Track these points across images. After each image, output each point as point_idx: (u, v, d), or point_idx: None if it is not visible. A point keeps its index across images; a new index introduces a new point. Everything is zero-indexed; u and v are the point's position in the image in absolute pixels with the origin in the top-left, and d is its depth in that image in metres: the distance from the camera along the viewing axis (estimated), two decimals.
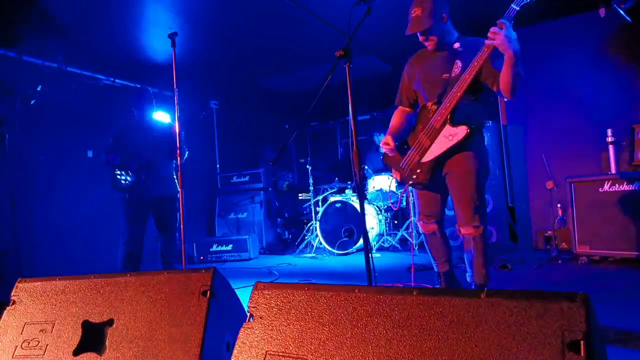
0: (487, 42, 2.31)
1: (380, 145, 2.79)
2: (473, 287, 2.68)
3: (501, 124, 5.78)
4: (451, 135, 2.48)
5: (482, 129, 2.62)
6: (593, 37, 5.01)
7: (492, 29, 2.26)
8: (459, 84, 2.43)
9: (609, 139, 4.42)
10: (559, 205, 4.67)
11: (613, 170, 4.35)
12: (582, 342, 0.83)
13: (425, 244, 2.93)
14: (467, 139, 2.48)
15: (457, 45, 2.58)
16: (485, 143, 2.69)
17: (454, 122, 2.48)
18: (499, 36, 2.23)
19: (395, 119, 2.91)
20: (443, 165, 2.60)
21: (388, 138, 2.73)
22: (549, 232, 4.88)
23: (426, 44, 2.63)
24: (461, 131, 2.46)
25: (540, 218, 5.27)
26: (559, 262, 4.34)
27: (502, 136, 5.79)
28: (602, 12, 4.67)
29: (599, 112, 4.91)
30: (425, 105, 2.67)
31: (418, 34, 2.57)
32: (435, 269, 2.93)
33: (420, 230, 2.87)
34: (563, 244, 4.53)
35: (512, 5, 2.29)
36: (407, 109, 2.90)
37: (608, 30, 4.91)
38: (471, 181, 2.52)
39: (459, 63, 2.50)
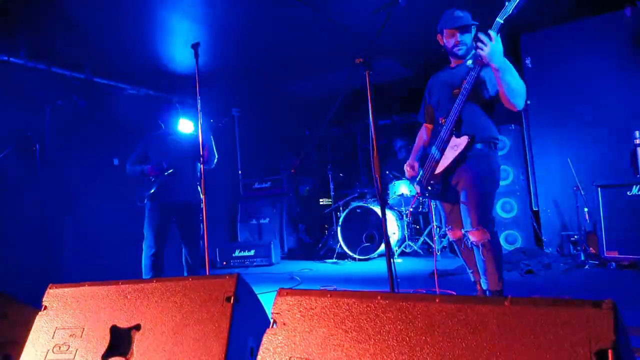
0: (476, 50, 2.48)
1: (405, 169, 2.99)
2: (488, 294, 2.67)
3: (525, 128, 5.69)
4: (456, 145, 2.64)
5: (489, 141, 2.70)
6: (618, 37, 4.91)
7: (481, 37, 2.43)
8: (461, 96, 2.58)
9: (637, 141, 4.31)
10: (585, 209, 4.56)
11: None
12: (609, 350, 0.82)
13: (457, 252, 2.99)
14: (470, 150, 2.62)
15: (469, 62, 2.73)
16: (497, 155, 2.79)
17: (458, 134, 2.64)
18: (487, 47, 2.41)
19: (420, 139, 3.08)
20: (453, 175, 2.72)
21: (412, 162, 2.94)
22: (576, 236, 4.77)
23: (456, 48, 2.74)
24: (463, 141, 2.61)
25: (567, 222, 5.16)
26: (586, 267, 4.24)
27: (525, 140, 5.70)
28: (628, 11, 4.57)
29: (626, 114, 4.79)
30: (438, 120, 2.82)
31: (458, 34, 2.71)
32: (472, 279, 2.96)
33: (450, 238, 2.98)
34: (591, 248, 4.42)
35: (497, 19, 2.45)
36: (430, 125, 3.04)
37: (634, 29, 4.80)
38: (475, 189, 2.62)
39: (468, 78, 2.60)
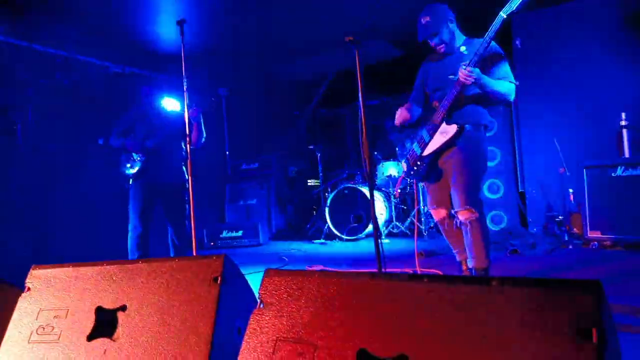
0: (460, 79, 2.59)
1: (396, 115, 2.99)
2: (473, 272, 2.75)
3: (513, 109, 5.70)
4: (445, 132, 2.73)
5: (479, 125, 2.80)
6: (609, 20, 4.90)
7: (464, 73, 2.54)
8: (455, 84, 2.64)
9: (623, 123, 4.34)
10: (571, 190, 4.62)
11: (627, 155, 4.28)
12: (593, 329, 0.82)
13: (442, 233, 3.06)
14: (459, 137, 2.71)
15: (463, 48, 2.81)
16: (486, 138, 2.88)
17: (449, 121, 2.72)
18: (471, 79, 2.54)
19: (407, 110, 3.06)
20: (441, 158, 2.81)
21: (403, 110, 2.95)
22: (560, 217, 4.84)
23: (437, 48, 2.84)
24: (452, 129, 2.70)
25: (552, 203, 5.22)
26: (570, 247, 4.32)
27: (513, 121, 5.72)
28: None
29: (613, 95, 4.82)
30: (431, 104, 2.90)
31: (428, 40, 2.82)
32: (457, 259, 3.02)
33: (434, 218, 3.07)
34: (574, 229, 4.49)
35: (501, 13, 2.51)
36: (419, 106, 3.08)
37: (623, 12, 4.79)
38: (463, 170, 2.71)
39: (463, 65, 2.62)
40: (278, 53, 6.47)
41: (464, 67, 2.54)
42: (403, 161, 3.01)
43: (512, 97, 2.73)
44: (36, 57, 5.07)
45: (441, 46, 2.81)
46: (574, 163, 4.51)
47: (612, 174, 4.00)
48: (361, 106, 2.28)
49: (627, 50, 4.79)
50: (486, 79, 2.61)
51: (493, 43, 2.65)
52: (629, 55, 4.78)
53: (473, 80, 2.54)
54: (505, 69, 2.74)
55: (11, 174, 4.60)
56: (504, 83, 2.69)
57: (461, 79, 2.56)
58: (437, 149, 2.77)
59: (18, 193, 4.44)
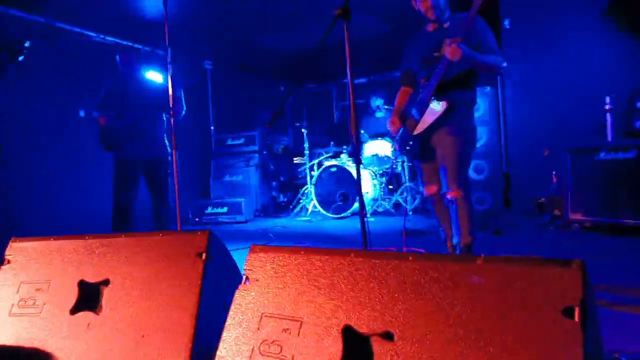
0: (445, 54, 2.55)
1: (387, 124, 3.04)
2: (458, 247, 2.80)
3: (500, 90, 5.72)
4: (435, 109, 2.72)
5: (468, 104, 2.80)
6: (595, 2, 4.89)
7: (450, 49, 2.50)
8: (442, 61, 2.61)
9: (607, 107, 4.38)
10: (554, 172, 4.68)
11: (610, 139, 4.34)
12: (576, 308, 0.84)
13: (432, 211, 3.13)
14: (449, 113, 2.70)
15: (447, 24, 2.77)
16: (474, 117, 2.90)
17: (438, 98, 2.71)
18: (457, 56, 2.50)
19: (399, 99, 3.10)
20: (431, 137, 2.81)
21: (394, 119, 2.98)
22: (543, 199, 4.92)
23: (429, 13, 2.76)
24: (442, 106, 2.69)
25: (535, 185, 5.29)
26: (551, 228, 4.40)
27: (500, 102, 5.74)
28: None
29: (598, 79, 4.85)
30: (419, 82, 2.89)
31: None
32: (442, 236, 3.06)
33: (424, 194, 3.12)
34: (556, 210, 4.56)
35: None
36: (409, 88, 3.07)
37: None
38: (452, 150, 2.72)
39: (447, 41, 2.60)
40: (264, 26, 6.34)
41: (449, 43, 2.51)
42: (395, 141, 3.02)
43: (501, 67, 2.73)
44: (12, 23, 4.88)
45: (433, 11, 2.74)
46: (558, 146, 4.55)
47: (595, 158, 4.06)
48: (349, 83, 2.25)
49: (614, 34, 4.80)
50: (472, 54, 2.59)
51: (478, 17, 2.63)
52: (615, 40, 4.80)
53: (459, 57, 2.52)
54: (490, 40, 2.72)
55: None
56: (491, 56, 2.68)
57: (447, 56, 2.53)
58: (428, 127, 2.76)
59: None
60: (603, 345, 0.98)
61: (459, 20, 2.67)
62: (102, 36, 5.93)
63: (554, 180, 4.66)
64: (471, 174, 5.59)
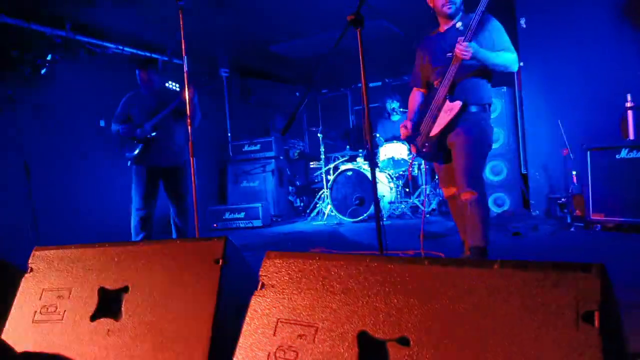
0: (457, 52, 2.59)
1: (400, 129, 3.03)
2: (472, 250, 2.74)
3: (517, 90, 5.64)
4: (449, 109, 2.71)
5: (482, 104, 2.79)
6: None
7: (460, 48, 2.55)
8: (453, 62, 2.62)
9: (629, 104, 4.29)
10: (574, 172, 4.59)
11: (631, 137, 4.24)
12: (596, 312, 0.82)
13: (450, 210, 3.11)
14: (463, 114, 2.69)
15: (459, 24, 2.76)
16: (490, 118, 2.87)
17: (452, 98, 2.70)
18: (469, 54, 2.54)
19: (412, 102, 3.11)
20: (447, 138, 2.80)
21: (407, 122, 2.99)
22: (563, 199, 4.82)
23: (445, 7, 2.77)
24: (456, 106, 2.69)
25: (555, 185, 5.20)
26: (572, 229, 4.31)
27: (517, 102, 5.67)
28: None
29: (618, 76, 4.74)
30: (432, 84, 2.88)
31: None
32: (461, 238, 3.04)
33: (443, 196, 3.14)
34: (577, 211, 4.48)
35: None
36: (422, 90, 3.08)
37: None
38: (466, 151, 2.71)
39: (460, 39, 2.61)
40: (279, 33, 6.38)
41: (460, 42, 2.52)
42: (412, 143, 3.02)
43: (514, 67, 2.71)
44: (34, 37, 5.00)
45: (449, 6, 2.75)
46: (577, 145, 4.47)
47: (617, 157, 3.97)
48: (363, 87, 2.25)
49: (634, 30, 4.70)
50: (483, 53, 2.59)
51: (489, 15, 2.63)
52: (635, 35, 4.69)
53: (470, 56, 2.51)
54: (504, 40, 2.71)
55: (10, 157, 4.59)
56: (504, 54, 2.66)
57: (458, 55, 2.53)
58: (444, 128, 2.75)
59: (20, 176, 4.43)
60: (628, 348, 0.95)
61: (470, 20, 2.66)
62: (121, 47, 6.05)
63: (574, 180, 4.57)
64: (489, 175, 5.53)
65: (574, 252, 3.56)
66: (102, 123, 5.71)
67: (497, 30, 2.71)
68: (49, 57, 5.00)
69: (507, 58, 2.66)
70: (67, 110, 5.27)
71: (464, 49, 2.50)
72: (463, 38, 2.54)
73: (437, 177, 3.17)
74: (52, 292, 1.68)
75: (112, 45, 5.94)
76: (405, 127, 2.97)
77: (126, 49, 6.12)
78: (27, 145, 4.61)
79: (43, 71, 4.97)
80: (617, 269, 2.77)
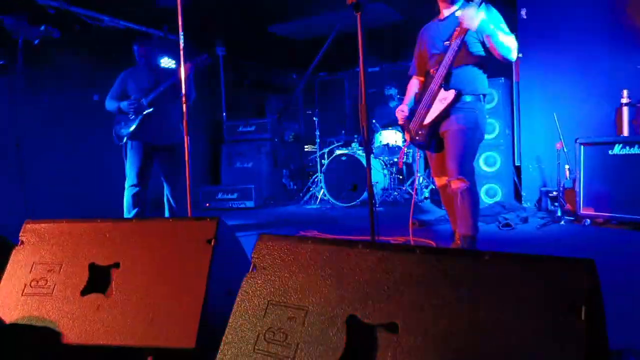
0: (463, 25, 2.53)
1: (396, 112, 3.03)
2: (462, 239, 2.77)
3: (514, 82, 5.63)
4: (443, 98, 2.71)
5: (477, 93, 2.78)
6: None
7: (467, 13, 2.48)
8: (451, 49, 2.61)
9: (624, 100, 4.30)
10: (567, 166, 4.62)
11: (625, 133, 4.26)
12: (583, 306, 0.83)
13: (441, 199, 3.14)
14: (457, 102, 2.68)
15: (459, 12, 2.71)
16: (484, 108, 2.86)
17: (446, 87, 2.70)
18: (475, 23, 2.48)
19: (410, 90, 3.10)
20: (440, 126, 2.80)
21: (403, 106, 2.99)
22: (555, 192, 4.86)
23: None
24: (450, 95, 2.67)
25: (548, 178, 5.24)
26: (562, 222, 4.36)
27: (513, 94, 5.66)
28: None
29: (614, 72, 4.75)
30: (429, 72, 2.87)
31: None
32: (451, 227, 3.08)
33: (435, 185, 3.13)
34: (568, 205, 4.52)
35: None
36: (421, 78, 3.07)
37: None
38: (459, 140, 2.72)
39: (458, 30, 2.60)
40: (278, 12, 6.29)
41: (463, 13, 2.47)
42: (405, 131, 3.02)
43: (514, 55, 2.65)
44: (27, 8, 4.89)
45: None
46: (571, 139, 4.49)
47: (610, 152, 4.00)
48: (361, 71, 2.23)
49: (633, 25, 4.69)
50: (489, 27, 2.53)
51: (489, 5, 2.61)
52: (634, 31, 4.68)
53: (478, 23, 2.45)
54: (505, 29, 2.68)
55: (2, 130, 4.53)
56: (510, 36, 2.62)
57: (464, 25, 2.49)
58: (437, 116, 2.76)
59: (11, 149, 4.38)
60: (608, 342, 0.98)
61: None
62: (116, 20, 5.93)
63: (567, 174, 4.60)
64: (483, 166, 5.55)
65: (562, 245, 3.60)
66: (95, 97, 5.63)
67: (496, 20, 2.68)
68: (42, 28, 4.88)
69: (511, 41, 2.62)
70: (60, 83, 5.18)
71: (471, 15, 2.43)
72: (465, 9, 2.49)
73: (430, 166, 3.17)
74: (42, 266, 1.67)
75: (107, 18, 5.82)
76: (402, 110, 2.98)
77: (121, 22, 6.00)
78: (21, 118, 4.55)
79: (35, 42, 4.87)
80: (603, 264, 2.81)
